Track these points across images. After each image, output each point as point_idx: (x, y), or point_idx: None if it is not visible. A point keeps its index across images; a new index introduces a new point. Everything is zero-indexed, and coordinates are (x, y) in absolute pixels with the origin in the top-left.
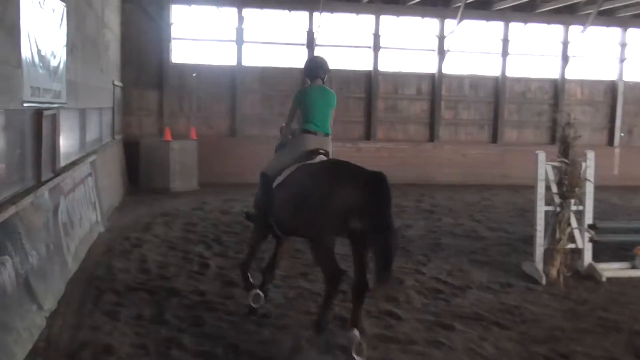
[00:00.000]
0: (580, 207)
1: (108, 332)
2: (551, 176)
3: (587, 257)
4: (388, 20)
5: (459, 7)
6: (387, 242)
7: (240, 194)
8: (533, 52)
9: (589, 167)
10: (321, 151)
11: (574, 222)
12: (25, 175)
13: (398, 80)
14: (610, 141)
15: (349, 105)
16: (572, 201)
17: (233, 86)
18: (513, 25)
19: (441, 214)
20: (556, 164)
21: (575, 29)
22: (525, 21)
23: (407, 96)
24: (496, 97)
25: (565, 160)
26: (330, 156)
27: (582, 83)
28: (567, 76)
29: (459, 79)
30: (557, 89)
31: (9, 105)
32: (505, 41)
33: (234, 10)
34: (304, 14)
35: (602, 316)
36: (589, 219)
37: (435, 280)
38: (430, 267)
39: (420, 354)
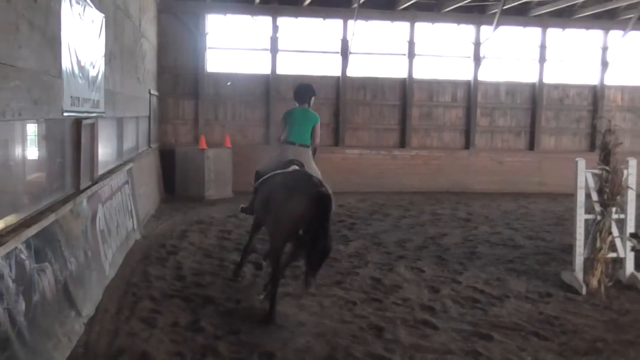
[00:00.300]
0: (622, 216)
1: (145, 339)
2: (591, 184)
3: (629, 267)
4: (423, 28)
5: (495, 13)
6: (319, 252)
7: None
8: (571, 58)
9: (630, 174)
10: (295, 162)
11: (615, 231)
12: (64, 184)
13: (433, 87)
14: None
15: (384, 112)
16: (614, 209)
17: (267, 94)
18: (551, 31)
19: (477, 222)
20: (596, 171)
21: (615, 34)
22: (564, 27)
23: (442, 103)
24: (533, 104)
25: (606, 168)
26: (310, 162)
27: (622, 89)
28: (607, 82)
29: (495, 86)
30: (596, 95)
31: (50, 115)
32: (543, 47)
33: (268, 19)
34: (339, 22)
35: None
36: (630, 227)
37: (472, 289)
38: (466, 275)
39: None
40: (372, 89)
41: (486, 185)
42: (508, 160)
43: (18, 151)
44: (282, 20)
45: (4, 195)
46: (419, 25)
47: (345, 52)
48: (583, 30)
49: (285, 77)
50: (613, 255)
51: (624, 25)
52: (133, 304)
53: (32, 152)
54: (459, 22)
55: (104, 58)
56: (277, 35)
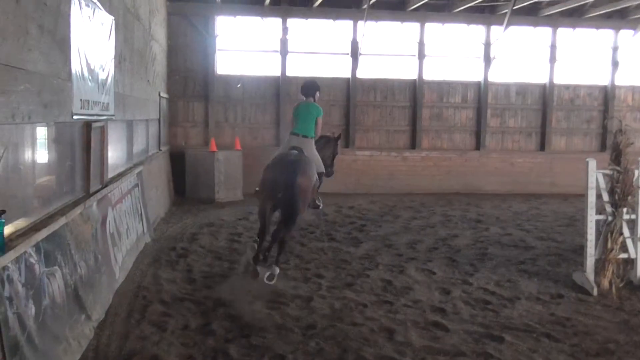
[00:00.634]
0: (633, 216)
1: (155, 343)
2: (602, 184)
3: None
4: (433, 28)
5: (505, 13)
6: (289, 209)
7: None
8: (582, 58)
9: None
10: (295, 150)
11: (626, 231)
12: (74, 187)
13: (443, 88)
14: None
15: (394, 114)
16: (625, 210)
17: (277, 96)
18: (561, 31)
19: (488, 224)
20: (607, 171)
21: (625, 34)
22: (574, 26)
23: (452, 104)
24: (544, 105)
25: (617, 168)
26: (310, 149)
27: (633, 89)
28: (618, 82)
29: (506, 86)
30: (607, 96)
31: (59, 118)
32: (553, 47)
33: (278, 21)
34: (348, 23)
35: None
36: None
37: (483, 291)
38: (477, 277)
39: None
40: (382, 90)
41: (497, 186)
42: (519, 161)
43: (28, 154)
44: (292, 22)
45: (13, 199)
46: (429, 26)
47: (355, 54)
48: (593, 30)
49: (296, 79)
50: (624, 256)
51: (634, 25)
52: (143, 308)
53: (42, 156)
54: (469, 22)
55: (113, 61)
56: (287, 36)
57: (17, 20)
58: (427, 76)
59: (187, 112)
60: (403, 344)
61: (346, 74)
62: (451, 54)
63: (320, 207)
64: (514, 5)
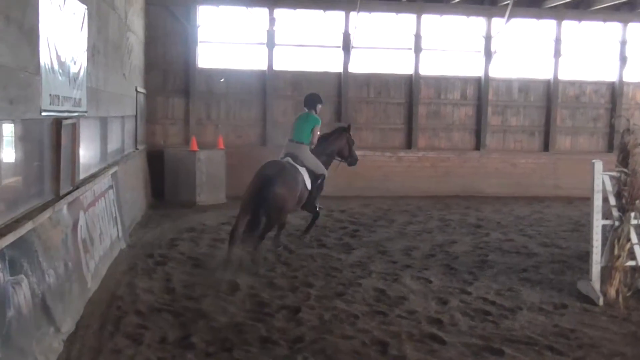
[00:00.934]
0: None
1: (130, 357)
2: (609, 187)
3: None
4: (430, 20)
5: (507, 4)
6: (268, 215)
7: None
8: (588, 52)
9: None
10: (290, 155)
11: (634, 238)
12: (43, 189)
13: (441, 84)
14: None
15: (388, 111)
16: (633, 214)
17: (264, 92)
18: (566, 24)
19: (489, 229)
20: (614, 174)
21: (634, 27)
22: (580, 19)
23: (450, 101)
24: (548, 102)
25: (625, 170)
26: (305, 155)
27: None
28: (626, 78)
29: (507, 83)
30: (614, 92)
31: (27, 115)
32: (558, 41)
33: (264, 11)
34: (340, 14)
35: None
36: None
37: (482, 301)
38: (477, 286)
39: None
40: (376, 85)
41: (498, 188)
42: (521, 161)
43: None
44: (279, 12)
45: None
46: (426, 18)
47: (347, 47)
48: (601, 23)
49: (283, 74)
50: (632, 263)
51: None
52: (117, 319)
53: (8, 155)
54: (468, 14)
55: (86, 53)
56: (274, 28)
57: None
58: (424, 71)
59: (166, 108)
60: (397, 357)
61: (337, 68)
62: (449, 47)
63: (317, 210)
64: None
